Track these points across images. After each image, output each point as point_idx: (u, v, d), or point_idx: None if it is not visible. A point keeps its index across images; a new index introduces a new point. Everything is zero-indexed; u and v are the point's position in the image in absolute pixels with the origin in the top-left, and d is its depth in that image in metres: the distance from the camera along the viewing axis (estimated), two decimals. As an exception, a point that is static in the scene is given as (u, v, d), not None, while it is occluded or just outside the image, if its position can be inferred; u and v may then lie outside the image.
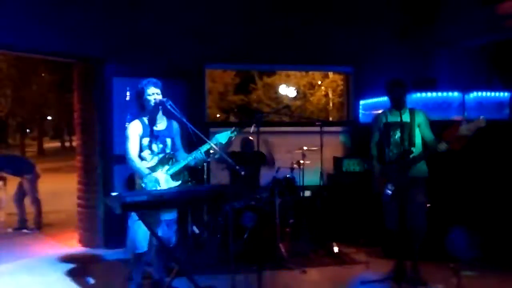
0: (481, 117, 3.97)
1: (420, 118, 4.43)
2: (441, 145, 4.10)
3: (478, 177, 5.28)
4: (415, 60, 6.72)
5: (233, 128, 4.03)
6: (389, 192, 4.32)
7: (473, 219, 5.17)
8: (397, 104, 4.43)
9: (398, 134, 4.42)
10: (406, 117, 4.40)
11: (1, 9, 5.16)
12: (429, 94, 5.56)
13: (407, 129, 4.38)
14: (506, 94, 5.69)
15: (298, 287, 4.46)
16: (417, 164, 4.32)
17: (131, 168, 3.94)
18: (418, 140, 4.41)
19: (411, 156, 4.24)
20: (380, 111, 4.72)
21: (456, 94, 5.54)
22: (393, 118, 4.45)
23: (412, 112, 4.45)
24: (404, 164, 4.22)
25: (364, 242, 5.82)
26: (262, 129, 4.95)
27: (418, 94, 5.59)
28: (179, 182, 4.01)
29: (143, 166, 3.90)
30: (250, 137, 5.82)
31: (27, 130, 37.77)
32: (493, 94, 5.67)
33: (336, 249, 5.49)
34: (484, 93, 5.62)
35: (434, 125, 4.48)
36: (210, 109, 21.48)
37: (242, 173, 3.56)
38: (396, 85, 4.46)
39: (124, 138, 4.01)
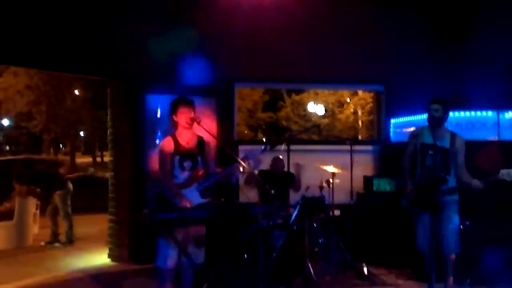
0: None
1: (459, 145, 4.30)
2: (475, 183, 3.99)
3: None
4: (448, 78, 6.62)
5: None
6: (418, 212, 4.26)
7: (509, 240, 5.01)
8: (436, 123, 4.31)
9: (434, 158, 4.24)
10: (445, 142, 4.27)
11: (35, 27, 5.32)
12: (462, 113, 5.45)
13: (444, 155, 4.24)
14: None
15: (327, 309, 4.38)
16: (447, 189, 4.20)
17: (161, 185, 3.98)
18: (453, 168, 4.29)
19: (443, 186, 4.12)
20: (420, 128, 4.57)
21: (490, 113, 5.42)
22: (431, 139, 4.23)
23: (453, 136, 4.33)
24: (435, 193, 4.10)
25: (394, 263, 5.69)
26: (291, 147, 4.94)
27: (451, 113, 5.48)
28: (208, 199, 4.02)
29: (172, 186, 3.93)
30: (280, 156, 5.80)
31: (60, 145, 38.66)
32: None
33: (365, 270, 5.39)
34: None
35: (468, 146, 4.38)
36: (239, 126, 21.59)
37: (272, 191, 3.55)
38: (435, 103, 4.32)
39: (155, 155, 4.06)
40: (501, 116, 5.39)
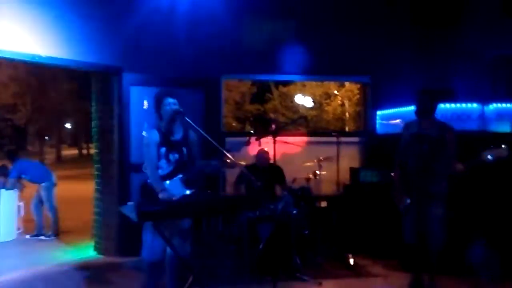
0: (504, 146, 3.88)
1: (448, 135, 4.33)
2: (458, 166, 4.03)
3: (498, 191, 5.18)
4: (433, 71, 6.66)
5: (248, 139, 4.02)
6: (406, 204, 4.29)
7: (493, 233, 5.07)
8: (424, 115, 4.35)
9: (423, 147, 4.31)
10: (435, 132, 4.32)
11: (21, 19, 5.24)
12: (447, 105, 5.49)
13: (432, 145, 4.28)
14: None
15: (313, 299, 4.41)
16: (437, 180, 4.24)
17: (149, 176, 3.96)
18: (442, 157, 4.32)
19: (432, 172, 4.18)
20: (412, 120, 4.60)
21: (475, 105, 5.47)
22: (421, 130, 4.31)
23: (442, 127, 4.36)
24: (424, 180, 4.14)
25: (380, 254, 5.74)
26: (278, 139, 4.95)
27: (436, 105, 5.52)
28: (193, 191, 4.01)
29: (159, 178, 3.91)
30: (266, 149, 5.80)
31: (46, 138, 38.33)
32: (513, 105, 5.58)
33: (352, 261, 5.43)
34: (504, 105, 5.53)
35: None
36: (226, 118, 21.54)
37: (258, 183, 3.54)
38: (423, 94, 4.37)
39: (141, 147, 4.03)
40: (485, 108, 5.44)
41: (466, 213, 5.05)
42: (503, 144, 3.88)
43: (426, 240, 4.31)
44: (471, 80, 6.59)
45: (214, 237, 5.27)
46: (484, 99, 5.53)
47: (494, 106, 5.48)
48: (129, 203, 3.24)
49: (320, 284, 4.82)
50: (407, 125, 4.60)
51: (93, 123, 6.35)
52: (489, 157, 3.87)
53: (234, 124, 25.74)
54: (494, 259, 4.92)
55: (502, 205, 5.14)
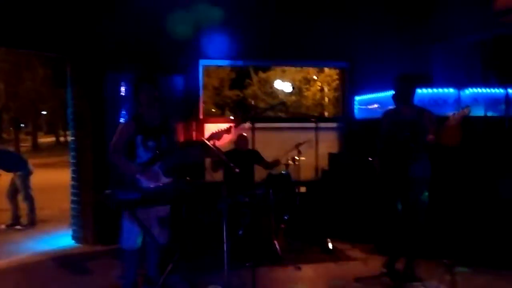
0: (466, 106, 3.92)
1: (427, 119, 4.35)
2: (430, 137, 4.06)
3: (474, 173, 5.27)
4: (411, 56, 6.69)
5: (228, 126, 4.00)
6: (388, 190, 4.37)
7: (467, 216, 5.17)
8: (403, 100, 4.37)
9: (405, 134, 4.32)
10: (414, 117, 4.35)
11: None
12: (424, 90, 5.54)
13: (413, 128, 4.32)
14: (501, 90, 5.68)
15: (292, 284, 4.44)
16: (417, 162, 4.29)
17: (114, 164, 3.92)
18: (423, 140, 4.36)
19: (414, 158, 4.22)
20: (391, 107, 4.62)
21: (451, 90, 5.53)
22: (401, 116, 4.34)
23: (421, 112, 4.39)
24: (406, 165, 4.18)
25: (358, 238, 5.81)
26: (257, 125, 4.94)
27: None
28: (171, 179, 3.98)
29: (128, 163, 3.87)
30: (244, 134, 5.79)
31: (21, 125, 37.60)
32: (488, 90, 5.66)
33: (330, 246, 5.49)
34: (479, 89, 5.61)
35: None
36: (205, 104, 21.39)
37: (237, 170, 3.53)
38: (402, 80, 4.39)
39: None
40: (461, 93, 5.51)
41: (441, 196, 5.13)
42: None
43: (406, 224, 4.39)
44: (447, 65, 6.67)
45: (194, 224, 5.25)
46: (460, 84, 5.59)
47: (470, 91, 5.55)
48: (106, 191, 3.19)
49: (299, 268, 4.87)
50: (386, 113, 4.63)
51: (69, 110, 6.24)
52: (454, 119, 3.91)
53: (213, 110, 25.62)
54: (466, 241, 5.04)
55: (478, 184, 5.24)
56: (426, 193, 4.39)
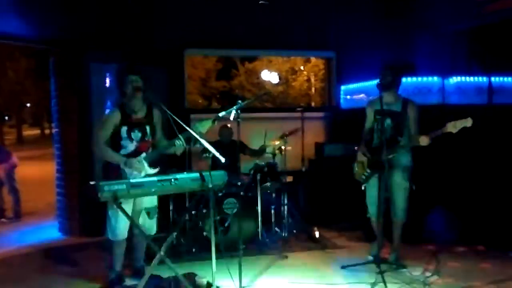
0: (469, 118, 3.92)
1: (412, 111, 4.40)
2: (422, 140, 4.10)
3: (457, 161, 5.33)
4: (396, 45, 6.72)
5: (213, 117, 3.99)
6: (364, 177, 4.47)
7: (451, 201, 5.24)
8: (385, 89, 4.40)
9: (387, 123, 4.39)
10: (398, 107, 4.39)
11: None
12: (408, 79, 5.56)
13: (397, 118, 4.37)
14: (485, 79, 5.73)
15: (279, 273, 4.47)
16: (400, 152, 4.33)
17: (98, 155, 3.91)
18: (406, 131, 4.40)
19: (396, 145, 4.28)
20: (375, 96, 4.63)
21: (436, 79, 5.56)
22: (385, 106, 4.36)
23: (405, 102, 4.43)
24: (389, 153, 4.22)
25: (345, 226, 5.87)
26: (243, 115, 4.92)
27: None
28: (157, 170, 3.97)
29: (113, 153, 3.86)
30: (228, 125, 5.77)
31: (5, 118, 37.07)
32: (472, 79, 5.70)
33: (317, 234, 5.52)
34: (463, 78, 5.65)
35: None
36: (192, 95, 21.25)
37: (223, 160, 3.52)
38: (385, 69, 4.43)
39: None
40: (446, 81, 5.54)
41: (426, 182, 5.18)
42: (463, 116, 3.97)
43: (390, 214, 4.44)
44: (432, 54, 6.70)
45: (181, 215, 5.25)
46: (444, 73, 5.63)
47: (454, 80, 5.59)
48: (91, 183, 3.17)
49: (286, 257, 4.89)
50: (371, 102, 4.67)
51: (53, 102, 6.17)
52: (454, 127, 3.94)
53: (200, 101, 25.48)
54: (452, 225, 5.12)
55: (461, 172, 5.30)
56: (408, 182, 4.45)
